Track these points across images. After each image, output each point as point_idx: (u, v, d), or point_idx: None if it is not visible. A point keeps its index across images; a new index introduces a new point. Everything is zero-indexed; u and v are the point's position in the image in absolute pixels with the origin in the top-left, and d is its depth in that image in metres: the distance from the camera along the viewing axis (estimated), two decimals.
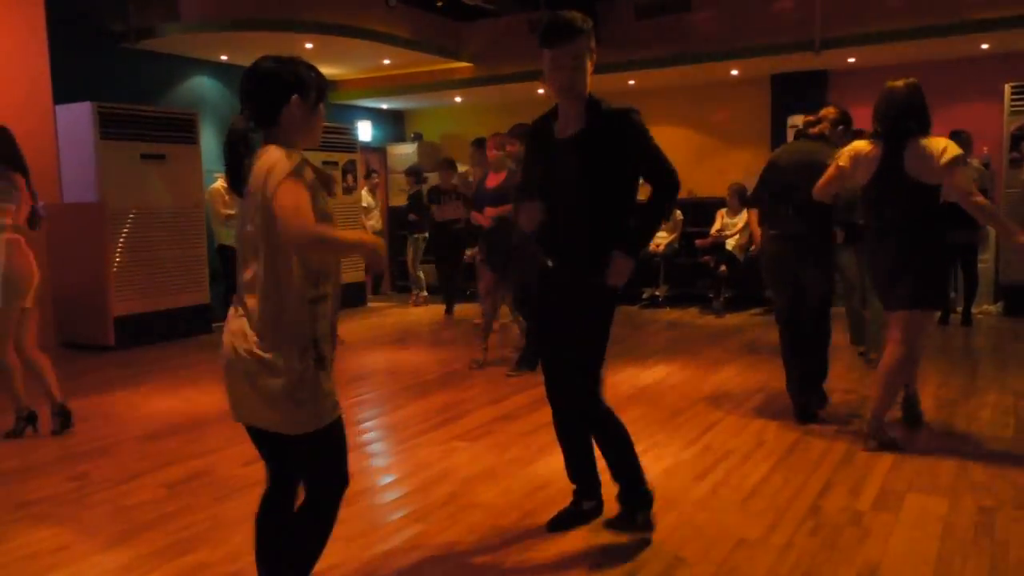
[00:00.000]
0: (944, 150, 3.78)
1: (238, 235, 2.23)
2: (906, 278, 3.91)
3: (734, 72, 9.80)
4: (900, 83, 3.95)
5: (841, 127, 4.80)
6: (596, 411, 3.06)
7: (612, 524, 3.18)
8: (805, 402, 4.61)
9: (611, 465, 3.15)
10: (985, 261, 8.19)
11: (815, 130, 4.72)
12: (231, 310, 2.23)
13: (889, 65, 9.17)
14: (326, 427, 2.21)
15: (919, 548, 2.95)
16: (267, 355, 2.12)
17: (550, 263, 3.08)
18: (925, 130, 3.88)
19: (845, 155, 4.07)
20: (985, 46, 8.56)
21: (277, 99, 2.16)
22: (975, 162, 7.64)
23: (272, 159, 2.07)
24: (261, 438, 2.29)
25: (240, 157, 2.15)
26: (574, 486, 3.27)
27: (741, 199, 8.51)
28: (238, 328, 2.16)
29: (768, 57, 8.94)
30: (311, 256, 2.14)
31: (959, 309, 7.78)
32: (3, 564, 3.05)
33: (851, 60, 9.13)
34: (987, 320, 7.98)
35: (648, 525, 3.11)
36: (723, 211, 9.23)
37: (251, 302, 2.15)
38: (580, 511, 3.25)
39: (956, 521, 3.18)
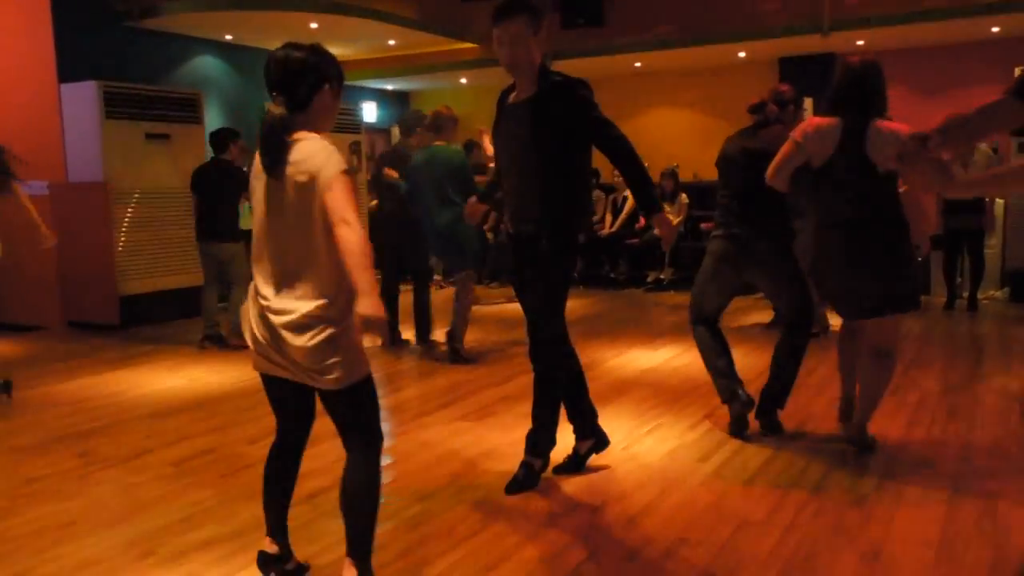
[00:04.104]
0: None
1: (262, 217, 2.37)
2: (867, 279, 3.57)
3: (741, 54, 9.74)
4: (860, 60, 3.61)
5: (792, 107, 4.23)
6: (556, 356, 3.41)
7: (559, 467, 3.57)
8: (739, 414, 4.09)
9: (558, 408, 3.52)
10: (992, 247, 8.15)
11: (758, 117, 4.11)
12: (257, 296, 2.40)
13: (898, 48, 9.09)
14: (364, 380, 2.39)
15: (921, 532, 2.96)
16: (323, 312, 2.28)
17: (508, 229, 3.42)
18: (884, 114, 3.57)
19: (800, 129, 3.63)
20: (995, 29, 8.49)
21: (312, 87, 2.35)
22: (984, 147, 7.60)
23: (326, 146, 2.27)
24: (298, 396, 2.49)
25: (283, 143, 2.28)
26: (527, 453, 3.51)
27: None
28: (282, 307, 2.31)
29: (776, 39, 8.88)
30: (338, 244, 2.23)
31: (965, 294, 7.76)
32: (11, 539, 3.08)
33: (860, 43, 9.05)
34: (993, 306, 7.95)
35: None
36: None
37: (307, 272, 2.30)
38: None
39: (959, 505, 3.18)
